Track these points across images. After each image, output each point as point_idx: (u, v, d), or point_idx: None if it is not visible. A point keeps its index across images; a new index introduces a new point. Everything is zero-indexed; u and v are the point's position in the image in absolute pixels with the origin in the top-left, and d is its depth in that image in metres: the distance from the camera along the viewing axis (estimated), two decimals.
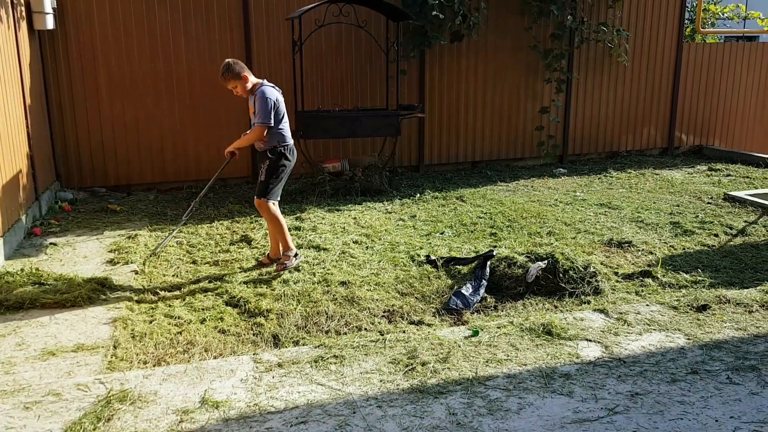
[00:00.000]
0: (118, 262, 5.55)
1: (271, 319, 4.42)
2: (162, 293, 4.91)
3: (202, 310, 4.57)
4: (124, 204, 7.72)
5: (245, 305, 4.62)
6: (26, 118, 6.78)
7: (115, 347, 3.97)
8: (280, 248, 5.44)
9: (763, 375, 3.53)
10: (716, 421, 3.11)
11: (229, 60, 5.15)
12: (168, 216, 7.21)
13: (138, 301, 4.74)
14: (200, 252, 5.91)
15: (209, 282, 5.12)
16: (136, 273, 5.32)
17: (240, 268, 5.43)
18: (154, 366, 3.74)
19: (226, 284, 5.04)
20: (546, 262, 5.02)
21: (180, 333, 4.19)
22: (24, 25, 7.04)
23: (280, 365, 3.66)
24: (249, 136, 5.27)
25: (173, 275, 5.32)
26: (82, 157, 8.25)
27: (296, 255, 5.45)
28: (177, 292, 4.93)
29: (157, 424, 3.07)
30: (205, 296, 4.84)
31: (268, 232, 5.70)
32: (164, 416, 3.13)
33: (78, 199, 7.91)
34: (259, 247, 5.96)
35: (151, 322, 4.35)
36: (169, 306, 4.64)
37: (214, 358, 3.86)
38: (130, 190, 8.47)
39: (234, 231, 6.58)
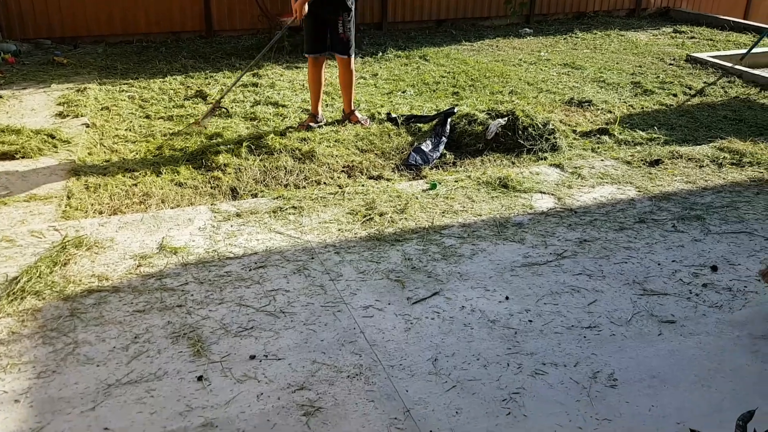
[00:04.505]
0: (67, 115, 5.34)
1: (229, 173, 4.37)
2: (115, 147, 4.79)
3: (158, 164, 4.48)
4: (71, 57, 7.32)
5: (202, 159, 4.55)
6: None
7: (68, 197, 3.91)
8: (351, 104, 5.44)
9: (707, 224, 3.68)
10: (658, 264, 3.26)
11: None
12: (118, 70, 6.88)
13: (90, 153, 4.62)
14: (153, 107, 5.71)
15: (163, 137, 4.99)
16: (87, 126, 5.15)
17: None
18: (109, 215, 3.71)
19: (181, 139, 4.93)
20: (506, 119, 5.01)
21: (135, 185, 4.14)
22: None
23: (238, 215, 3.67)
24: None
25: (126, 129, 5.17)
26: (23, 6, 7.68)
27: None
28: (131, 146, 4.81)
29: (115, 268, 3.09)
30: (159, 150, 4.73)
31: (340, 86, 5.50)
32: (122, 261, 3.15)
33: (22, 50, 7.45)
34: (213, 103, 5.77)
35: (104, 175, 4.26)
36: (123, 159, 4.54)
37: (171, 208, 3.84)
38: (77, 43, 8.01)
39: (188, 86, 6.35)
